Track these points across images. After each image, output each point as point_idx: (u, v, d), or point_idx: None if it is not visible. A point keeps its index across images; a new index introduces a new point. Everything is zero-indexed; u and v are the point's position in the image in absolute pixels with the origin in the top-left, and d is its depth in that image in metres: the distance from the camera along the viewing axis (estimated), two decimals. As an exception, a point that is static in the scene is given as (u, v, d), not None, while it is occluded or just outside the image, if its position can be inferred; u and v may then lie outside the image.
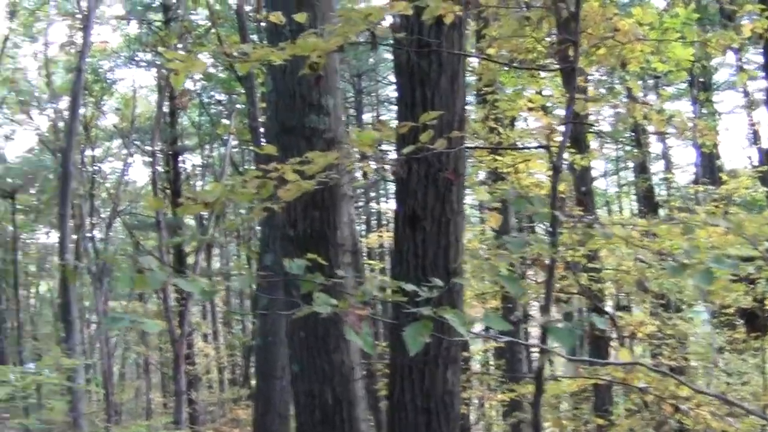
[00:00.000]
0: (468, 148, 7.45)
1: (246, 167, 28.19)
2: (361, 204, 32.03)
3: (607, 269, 10.71)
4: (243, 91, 18.69)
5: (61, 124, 25.56)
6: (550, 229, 4.73)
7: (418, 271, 5.23)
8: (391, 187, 32.00)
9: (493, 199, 10.23)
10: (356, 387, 6.36)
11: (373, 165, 5.93)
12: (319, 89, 6.42)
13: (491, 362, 21.22)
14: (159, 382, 34.02)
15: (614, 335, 11.41)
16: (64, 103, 25.99)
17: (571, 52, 5.13)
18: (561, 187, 4.79)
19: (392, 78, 28.44)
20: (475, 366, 20.64)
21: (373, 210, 34.39)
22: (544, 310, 4.67)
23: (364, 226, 32.49)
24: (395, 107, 6.25)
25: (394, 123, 5.47)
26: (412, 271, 5.26)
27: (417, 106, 5.28)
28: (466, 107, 5.77)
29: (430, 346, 4.95)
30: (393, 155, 6.18)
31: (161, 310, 23.84)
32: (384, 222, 32.98)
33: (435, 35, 5.30)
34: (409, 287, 3.71)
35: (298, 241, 6.25)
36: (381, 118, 33.62)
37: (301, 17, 4.80)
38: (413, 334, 3.31)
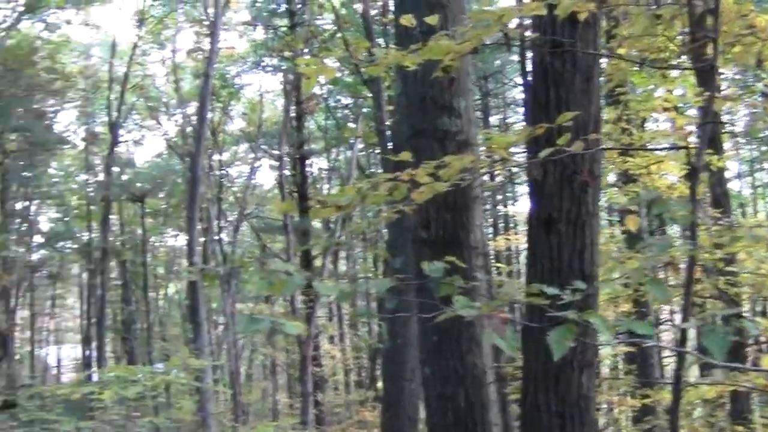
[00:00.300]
0: (604, 149, 7.33)
1: (372, 170, 28.35)
2: (488, 207, 31.89)
3: (744, 273, 10.41)
4: (369, 94, 18.79)
5: (189, 129, 26.15)
6: (685, 232, 4.63)
7: (553, 274, 5.15)
8: (519, 190, 31.81)
9: (629, 203, 10.05)
10: (488, 390, 6.32)
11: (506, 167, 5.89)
12: (450, 91, 6.40)
13: (620, 366, 20.88)
14: (285, 383, 34.46)
15: (752, 341, 11.09)
16: (192, 108, 26.66)
17: (708, 50, 5.00)
18: (698, 188, 4.66)
19: (519, 80, 28.23)
20: (604, 370, 20.32)
21: (500, 212, 34.20)
22: (684, 314, 4.56)
23: (491, 229, 32.31)
24: (522, 109, 6.18)
25: (521, 125, 5.42)
26: (547, 274, 5.18)
27: (551, 106, 5.20)
28: (600, 108, 5.67)
29: (565, 350, 4.89)
30: (521, 157, 6.11)
31: (288, 312, 24.15)
32: (511, 225, 32.80)
33: (569, 34, 5.21)
34: (551, 290, 3.66)
35: (431, 244, 6.24)
36: (508, 120, 33.45)
37: (432, 19, 4.79)
38: (558, 338, 3.26)
